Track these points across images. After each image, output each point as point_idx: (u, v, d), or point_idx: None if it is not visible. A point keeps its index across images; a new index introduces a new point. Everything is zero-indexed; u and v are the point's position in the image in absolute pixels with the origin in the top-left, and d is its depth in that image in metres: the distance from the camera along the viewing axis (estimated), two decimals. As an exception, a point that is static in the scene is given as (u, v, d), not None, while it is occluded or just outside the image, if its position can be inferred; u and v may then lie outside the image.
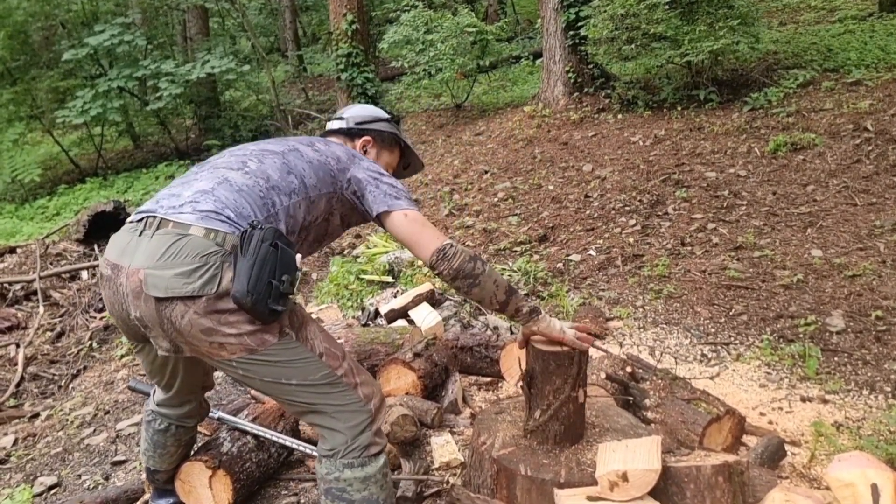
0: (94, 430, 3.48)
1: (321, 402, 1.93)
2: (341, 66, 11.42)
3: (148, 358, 2.12)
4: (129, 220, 1.94)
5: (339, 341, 2.13)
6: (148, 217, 1.85)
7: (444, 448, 2.72)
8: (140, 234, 1.83)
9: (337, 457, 1.95)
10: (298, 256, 1.86)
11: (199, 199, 1.86)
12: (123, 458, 3.13)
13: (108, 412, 3.65)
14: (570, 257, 5.10)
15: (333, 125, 2.38)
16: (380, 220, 2.09)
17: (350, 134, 2.36)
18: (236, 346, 1.80)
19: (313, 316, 4.08)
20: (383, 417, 2.07)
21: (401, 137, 2.46)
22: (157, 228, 1.81)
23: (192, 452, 2.53)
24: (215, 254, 1.76)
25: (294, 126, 12.06)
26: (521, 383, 2.31)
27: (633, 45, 7.76)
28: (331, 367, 1.93)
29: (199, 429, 3.02)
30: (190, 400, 2.29)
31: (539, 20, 9.67)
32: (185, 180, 1.98)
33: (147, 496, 2.57)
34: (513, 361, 3.27)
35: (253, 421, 2.62)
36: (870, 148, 5.61)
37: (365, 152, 2.34)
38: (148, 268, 1.76)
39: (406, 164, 2.57)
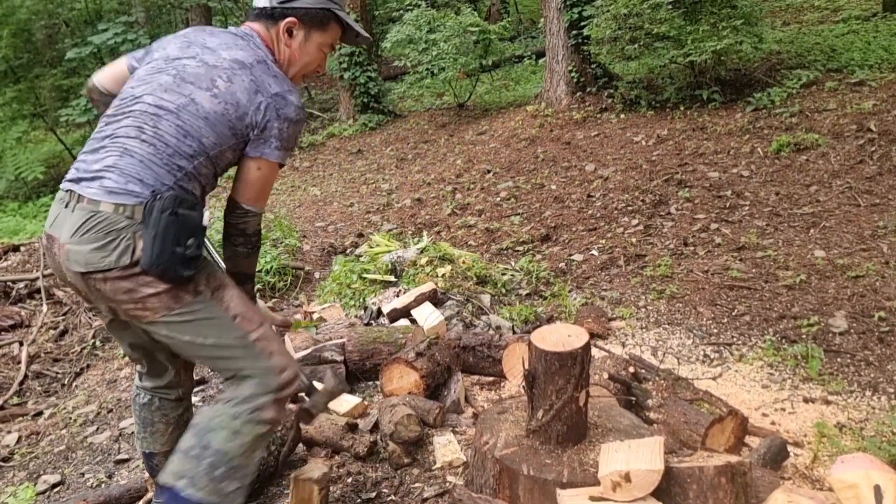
0: (98, 429, 3.48)
1: (234, 363, 1.99)
2: (344, 65, 11.42)
3: (115, 330, 2.19)
4: (61, 186, 2.00)
5: (259, 313, 2.16)
6: (71, 190, 1.93)
7: (446, 448, 2.72)
8: (66, 206, 1.92)
9: (231, 403, 1.98)
10: (207, 214, 1.98)
11: (106, 174, 1.90)
12: (126, 456, 3.14)
13: (111, 410, 3.65)
14: (572, 257, 5.09)
15: (259, 3, 2.17)
16: (242, 159, 2.07)
17: (273, 16, 2.14)
18: (157, 306, 1.89)
19: (315, 315, 4.09)
20: (290, 393, 2.09)
21: (335, 10, 2.19)
22: (77, 202, 1.89)
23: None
24: (127, 227, 1.84)
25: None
26: (523, 383, 2.32)
27: (636, 45, 7.76)
28: (245, 330, 1.99)
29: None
30: (167, 369, 2.29)
31: (542, 19, 9.68)
32: (94, 145, 2.00)
33: (150, 494, 2.57)
34: (515, 361, 3.27)
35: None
36: (873, 148, 5.60)
37: (291, 35, 2.14)
38: (68, 243, 1.87)
39: (353, 35, 2.29)
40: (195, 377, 3.78)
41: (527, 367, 2.31)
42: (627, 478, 1.98)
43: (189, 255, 1.86)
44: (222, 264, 2.24)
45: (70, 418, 3.63)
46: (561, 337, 2.29)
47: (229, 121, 1.98)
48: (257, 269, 4.88)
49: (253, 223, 2.08)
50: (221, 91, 1.98)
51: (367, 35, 2.34)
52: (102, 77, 2.27)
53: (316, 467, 2.42)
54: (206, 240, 2.18)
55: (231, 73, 2.01)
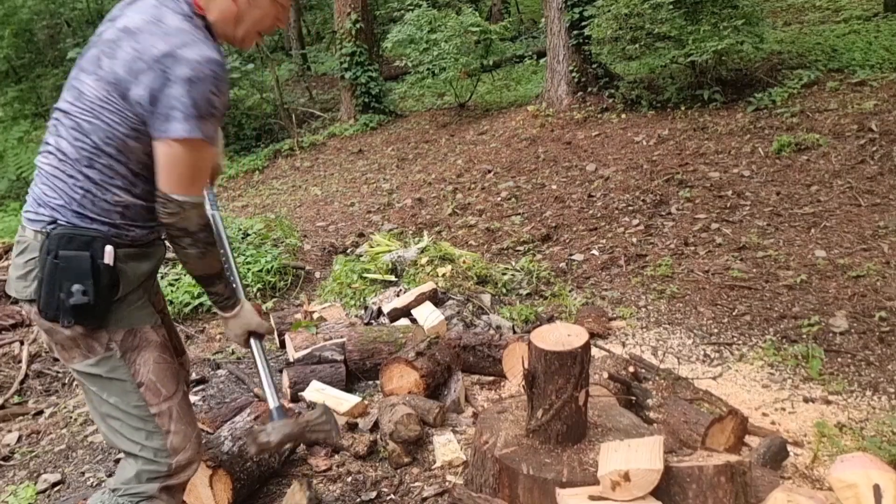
0: (97, 428, 3.48)
1: (128, 435, 1.81)
2: (345, 65, 11.43)
3: None
4: None
5: (176, 385, 1.88)
6: None
7: (446, 447, 2.72)
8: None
9: (117, 493, 1.82)
10: (108, 249, 1.70)
11: (29, 197, 1.79)
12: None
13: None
14: (573, 257, 5.09)
15: None
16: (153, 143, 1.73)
17: None
18: (73, 351, 1.76)
19: (315, 315, 4.09)
20: (186, 478, 1.88)
21: None
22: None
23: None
24: (39, 258, 1.71)
25: (298, 125, 12.07)
26: (523, 383, 2.32)
27: (636, 45, 7.76)
28: (145, 402, 1.80)
29: (200, 425, 3.03)
30: None
31: (543, 19, 9.68)
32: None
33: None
34: (515, 361, 3.27)
35: (255, 420, 2.63)
36: (874, 148, 5.60)
37: None
38: (10, 266, 1.80)
39: None
40: (196, 376, 3.80)
41: (526, 366, 2.30)
42: (627, 477, 1.98)
43: (74, 303, 1.65)
44: (239, 294, 2.03)
45: (70, 417, 3.63)
46: (561, 336, 2.29)
47: (113, 104, 1.68)
48: (258, 269, 4.89)
49: (192, 216, 1.74)
50: (104, 71, 1.69)
51: None
52: None
53: (299, 490, 2.38)
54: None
55: (115, 45, 1.69)
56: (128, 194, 1.76)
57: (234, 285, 2.03)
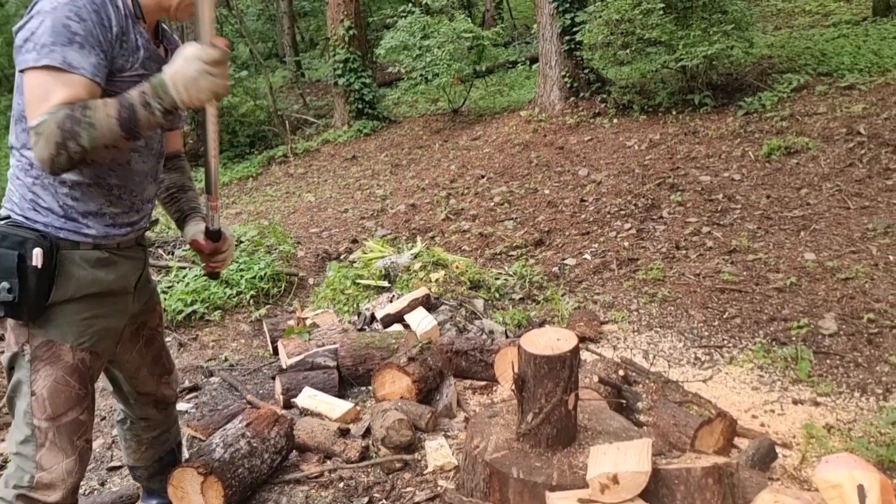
0: (91, 436, 3.49)
1: (14, 432, 1.85)
2: (339, 72, 11.47)
3: None
4: None
5: (66, 410, 1.84)
6: None
7: (438, 452, 2.74)
8: None
9: None
10: (37, 252, 1.69)
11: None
12: (119, 463, 3.14)
13: (103, 418, 3.66)
14: (565, 261, 5.12)
15: None
16: None
17: None
18: (7, 340, 1.81)
19: (308, 321, 4.10)
20: (45, 500, 1.84)
21: None
22: None
23: (185, 458, 2.54)
24: None
25: (292, 131, 12.09)
26: (513, 387, 2.33)
27: (628, 50, 7.81)
28: (31, 412, 1.81)
29: (192, 432, 3.04)
30: (127, 399, 2.24)
31: (535, 25, 9.72)
32: None
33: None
34: (507, 365, 3.29)
35: (247, 427, 2.64)
36: (863, 152, 5.64)
37: None
38: None
39: None
40: (189, 384, 3.81)
41: (516, 371, 2.32)
42: (615, 480, 1.99)
43: (0, 300, 1.69)
44: None
45: (64, 426, 3.63)
46: (550, 341, 2.31)
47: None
48: (251, 276, 4.90)
49: (44, 131, 1.54)
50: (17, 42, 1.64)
51: None
52: None
53: None
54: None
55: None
56: (75, 173, 1.74)
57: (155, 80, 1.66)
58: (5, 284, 1.69)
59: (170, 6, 1.81)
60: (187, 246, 5.37)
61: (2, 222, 1.77)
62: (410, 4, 11.64)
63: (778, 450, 2.68)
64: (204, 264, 2.18)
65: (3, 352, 1.87)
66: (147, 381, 2.21)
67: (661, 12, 7.53)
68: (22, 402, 1.82)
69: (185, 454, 2.85)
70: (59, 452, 1.84)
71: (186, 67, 1.61)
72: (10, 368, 1.84)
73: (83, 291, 1.82)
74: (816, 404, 3.09)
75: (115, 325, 1.95)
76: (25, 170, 1.76)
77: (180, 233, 2.19)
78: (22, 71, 1.60)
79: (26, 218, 1.76)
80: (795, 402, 3.12)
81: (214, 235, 2.07)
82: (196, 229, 2.10)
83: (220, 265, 2.17)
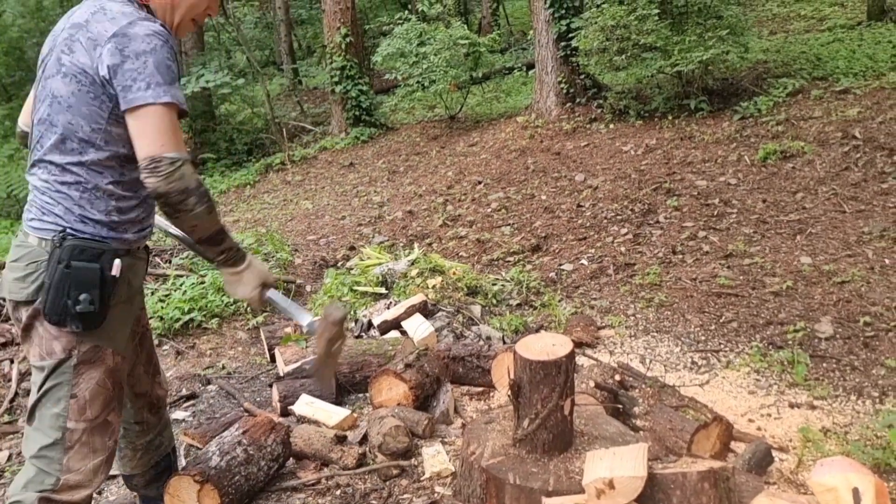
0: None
1: (40, 438, 1.87)
2: (336, 79, 11.48)
3: None
4: None
5: (101, 412, 1.91)
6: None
7: (435, 458, 2.73)
8: (16, 236, 1.95)
9: (10, 498, 1.87)
10: (117, 263, 1.81)
11: (29, 206, 1.91)
12: (116, 472, 3.13)
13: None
14: (562, 266, 5.13)
15: None
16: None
17: None
18: (37, 347, 1.85)
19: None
20: (69, 501, 1.88)
21: None
22: (21, 232, 1.91)
23: (182, 467, 2.54)
24: (45, 261, 1.81)
25: (289, 139, 12.11)
26: (509, 393, 2.34)
27: (623, 56, 7.83)
28: (67, 414, 1.85)
29: (189, 440, 3.04)
30: (125, 405, 2.23)
31: (531, 31, 9.75)
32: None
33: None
34: (504, 371, 3.29)
35: (244, 434, 2.64)
36: (858, 155, 5.66)
37: None
38: (4, 270, 1.91)
39: None
40: (186, 392, 3.80)
41: (512, 376, 2.33)
42: (611, 485, 2.00)
43: (80, 311, 1.76)
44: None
45: (61, 435, 3.63)
46: (545, 346, 2.31)
47: (88, 92, 1.79)
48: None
49: (188, 172, 1.76)
50: (68, 66, 1.80)
51: None
52: (21, 118, 2.15)
53: None
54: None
55: (70, 41, 1.81)
56: (118, 186, 1.87)
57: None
58: (87, 296, 1.76)
59: (171, 24, 1.99)
60: (185, 254, 5.36)
61: (59, 236, 1.81)
62: (407, 12, 11.67)
63: (774, 453, 2.68)
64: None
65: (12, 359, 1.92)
66: (143, 379, 2.25)
67: (657, 18, 7.55)
68: (55, 406, 1.86)
69: (182, 462, 2.85)
70: (89, 453, 1.89)
71: (253, 280, 2.03)
72: (49, 375, 1.85)
73: (127, 295, 1.94)
74: (813, 408, 3.10)
75: (133, 328, 2.05)
76: (70, 184, 1.83)
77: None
78: (133, 105, 1.75)
79: (74, 230, 1.83)
80: (792, 406, 3.12)
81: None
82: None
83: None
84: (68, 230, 1.82)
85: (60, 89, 1.81)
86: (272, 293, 2.09)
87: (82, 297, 1.76)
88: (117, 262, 1.83)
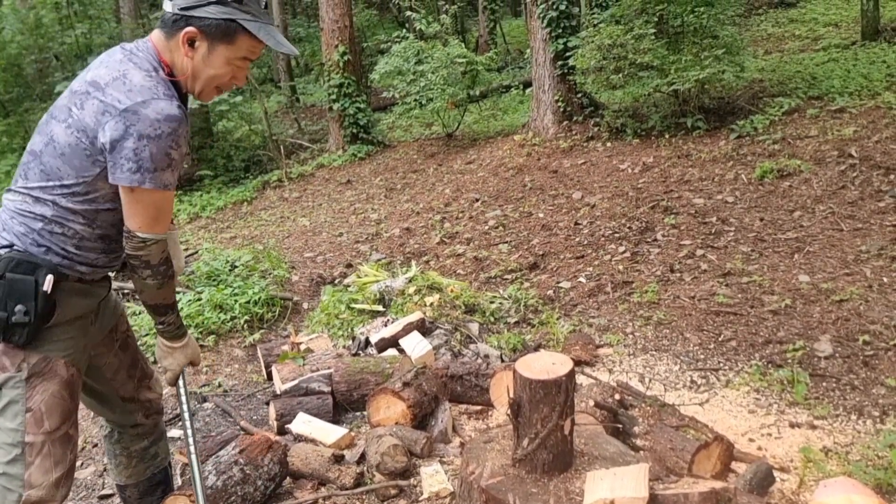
0: (82, 464, 3.45)
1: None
2: (333, 97, 11.52)
3: None
4: None
5: (60, 424, 1.93)
6: None
7: (433, 478, 2.71)
8: None
9: None
10: (49, 278, 1.84)
11: None
12: (111, 491, 3.10)
13: (95, 445, 3.62)
14: (560, 284, 5.12)
15: (166, 7, 1.92)
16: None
17: (172, 25, 1.90)
18: None
19: (302, 346, 4.08)
20: None
21: (243, 21, 1.89)
22: None
23: (178, 486, 2.51)
24: None
25: (287, 155, 12.12)
26: (508, 412, 2.32)
27: (620, 75, 7.88)
28: (24, 428, 1.86)
29: (185, 459, 3.00)
30: (113, 408, 2.30)
31: (528, 50, 9.81)
32: None
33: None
34: (502, 390, 3.27)
35: (240, 453, 2.61)
36: (854, 174, 5.68)
37: (192, 47, 1.90)
38: None
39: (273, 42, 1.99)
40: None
41: (511, 395, 2.31)
42: (612, 506, 1.97)
43: (14, 322, 1.80)
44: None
45: (55, 454, 3.59)
46: (545, 365, 2.30)
47: (84, 150, 1.84)
48: (245, 301, 4.88)
49: (154, 251, 1.90)
50: (75, 119, 1.84)
51: (291, 48, 2.08)
52: None
53: None
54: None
55: (85, 96, 1.84)
56: (87, 229, 1.93)
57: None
58: (21, 307, 1.81)
59: (193, 91, 2.01)
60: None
61: (5, 250, 1.86)
62: (405, 30, 11.75)
63: (775, 474, 2.66)
64: None
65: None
66: (126, 384, 2.28)
67: (653, 37, 7.62)
68: (11, 421, 1.86)
69: (178, 482, 2.82)
70: (50, 467, 1.90)
71: (182, 359, 2.14)
72: (0, 391, 1.87)
73: (72, 315, 1.96)
74: (813, 427, 3.08)
75: (88, 341, 2.07)
76: (36, 217, 1.89)
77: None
78: (121, 183, 1.82)
79: (28, 252, 1.87)
80: (792, 426, 3.11)
81: None
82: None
83: None
84: (16, 246, 1.87)
85: (60, 136, 1.86)
86: (182, 383, 2.19)
87: (17, 308, 1.80)
88: (49, 277, 1.85)
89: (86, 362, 2.08)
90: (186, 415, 2.20)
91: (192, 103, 9.25)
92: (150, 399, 2.35)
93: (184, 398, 2.20)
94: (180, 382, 2.18)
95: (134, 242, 1.87)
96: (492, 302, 4.75)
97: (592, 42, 8.01)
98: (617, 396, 3.09)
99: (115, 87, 1.81)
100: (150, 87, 1.81)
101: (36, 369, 1.88)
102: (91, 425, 3.91)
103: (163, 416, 2.45)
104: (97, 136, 1.81)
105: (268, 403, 3.59)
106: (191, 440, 2.18)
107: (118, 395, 2.26)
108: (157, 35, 1.95)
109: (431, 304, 4.44)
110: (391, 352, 3.96)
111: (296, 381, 3.57)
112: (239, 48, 1.93)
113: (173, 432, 3.55)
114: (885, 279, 4.24)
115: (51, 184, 1.87)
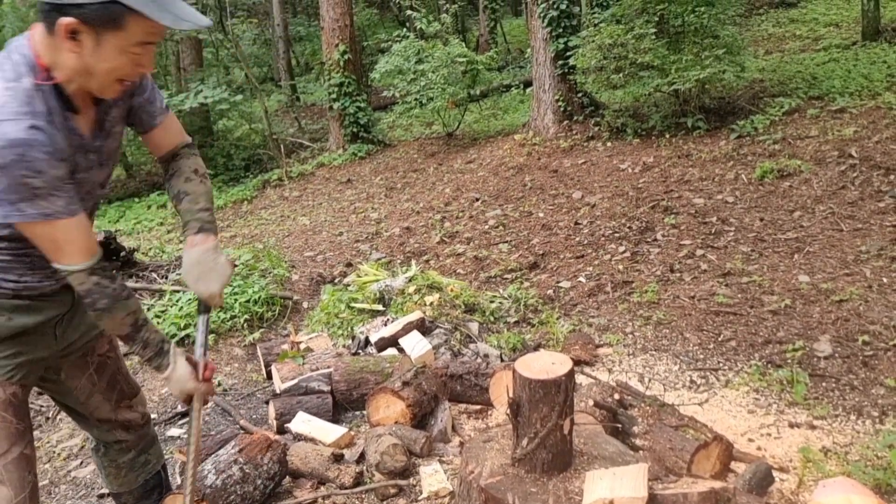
0: (81, 463, 3.45)
1: None
2: (333, 96, 11.53)
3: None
4: None
5: (8, 446, 1.84)
6: None
7: (433, 477, 2.71)
8: None
9: None
10: None
11: None
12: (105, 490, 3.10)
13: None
14: (560, 284, 5.12)
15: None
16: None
17: (50, 18, 1.58)
18: None
19: (302, 345, 4.08)
20: None
21: (124, 1, 1.56)
22: None
23: (177, 485, 2.51)
24: None
25: (287, 154, 12.13)
26: (508, 411, 2.32)
27: (621, 74, 7.88)
28: None
29: (184, 458, 3.00)
30: (90, 427, 2.23)
31: (529, 50, 9.81)
32: None
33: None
34: (502, 389, 3.27)
35: (240, 452, 2.61)
36: (855, 174, 5.68)
37: (76, 40, 1.59)
38: None
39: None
40: (182, 408, 3.77)
41: (511, 395, 2.31)
42: (611, 505, 1.97)
43: None
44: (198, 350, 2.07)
45: (54, 452, 3.59)
46: (545, 365, 2.30)
47: None
48: (245, 300, 4.88)
49: (73, 280, 1.73)
50: None
51: (197, 20, 1.66)
52: None
53: None
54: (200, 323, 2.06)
55: None
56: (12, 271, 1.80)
57: (166, 348, 1.98)
58: None
59: (92, 89, 1.71)
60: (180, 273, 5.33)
61: None
62: (405, 29, 11.75)
63: (775, 474, 2.66)
64: None
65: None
66: (101, 406, 2.18)
67: (654, 37, 7.62)
68: None
69: (177, 480, 2.82)
70: (8, 491, 1.81)
71: (179, 384, 1.99)
72: None
73: (4, 334, 1.83)
74: (813, 427, 3.08)
75: (38, 357, 1.94)
76: None
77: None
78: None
79: None
80: (791, 426, 3.11)
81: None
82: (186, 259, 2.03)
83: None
84: None
85: None
86: (194, 412, 2.05)
87: None
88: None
89: (37, 372, 1.97)
90: (192, 438, 2.06)
91: (192, 101, 9.20)
92: (129, 419, 2.25)
93: (194, 424, 2.06)
94: (192, 415, 2.05)
95: (62, 274, 1.74)
96: (491, 301, 4.75)
97: (593, 42, 8.01)
98: (616, 396, 3.09)
99: None
100: (1, 101, 1.56)
101: None
102: (91, 424, 3.92)
103: (150, 427, 2.36)
104: None
105: (267, 402, 3.59)
106: (191, 462, 2.06)
107: (94, 417, 2.18)
108: (38, 30, 1.65)
109: (431, 303, 4.44)
110: (391, 351, 3.96)
111: (295, 381, 3.57)
112: (132, 33, 1.61)
113: (172, 431, 3.55)
114: (884, 279, 4.24)
115: None
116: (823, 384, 3.41)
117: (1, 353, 1.83)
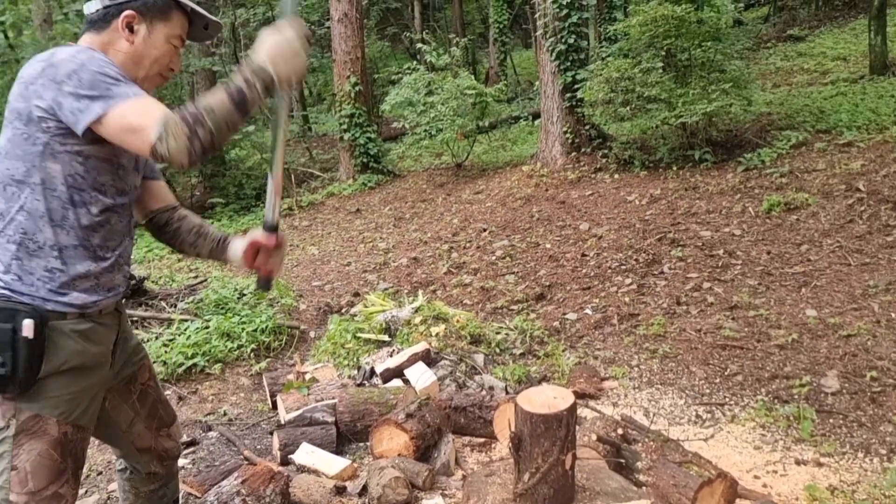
0: (86, 491, 3.45)
1: None
2: (344, 126, 11.68)
3: None
4: None
5: (47, 484, 1.79)
6: None
7: (434, 511, 2.70)
8: None
9: None
10: (27, 323, 1.71)
11: None
12: (113, 520, 3.10)
13: (100, 473, 3.62)
14: (566, 316, 5.11)
15: (88, 8, 1.91)
16: (92, 135, 1.73)
17: (107, 18, 1.87)
18: None
19: (307, 375, 4.09)
20: None
21: None
22: None
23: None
24: None
25: (297, 184, 12.24)
26: (509, 445, 2.32)
27: (628, 107, 7.95)
28: (8, 486, 1.76)
29: (188, 488, 3.01)
30: (128, 455, 2.23)
31: (537, 82, 9.93)
32: None
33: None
34: (506, 422, 3.26)
35: (243, 483, 2.61)
36: (862, 208, 5.68)
37: (132, 31, 1.87)
38: None
39: (204, 24, 2.02)
40: (187, 438, 3.78)
41: (513, 429, 2.31)
42: (612, 543, 1.97)
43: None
44: None
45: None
46: (547, 399, 2.30)
47: (22, 134, 1.74)
48: (252, 329, 4.91)
49: (174, 134, 1.65)
50: (6, 118, 1.77)
51: (217, 20, 2.04)
52: None
53: None
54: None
55: (10, 92, 1.79)
56: (60, 232, 1.78)
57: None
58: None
59: (136, 78, 1.87)
60: (190, 298, 5.37)
61: None
62: (415, 62, 11.92)
63: (780, 512, 2.63)
64: (258, 273, 2.16)
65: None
66: (143, 435, 2.19)
67: (661, 71, 7.70)
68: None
69: (180, 512, 2.82)
70: None
71: (286, 47, 1.78)
72: None
73: (71, 363, 1.81)
74: (819, 465, 3.05)
75: (98, 395, 1.95)
76: (9, 236, 1.77)
77: (222, 257, 2.19)
78: (91, 123, 1.69)
79: (12, 291, 1.76)
80: (798, 463, 3.08)
81: (274, 229, 2.08)
82: (243, 242, 2.12)
83: (278, 265, 2.17)
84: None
85: (1, 141, 1.78)
86: (285, 100, 1.93)
87: None
88: (27, 322, 1.71)
89: (95, 411, 1.95)
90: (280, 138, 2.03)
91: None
92: (166, 448, 2.26)
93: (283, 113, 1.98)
94: (281, 107, 1.96)
95: (160, 152, 1.66)
96: (497, 333, 4.75)
97: (601, 75, 8.10)
98: (620, 431, 3.08)
99: (29, 65, 1.77)
100: (60, 49, 1.76)
101: (24, 426, 1.76)
102: (96, 453, 3.92)
103: (177, 461, 2.38)
104: (31, 111, 1.72)
105: (272, 433, 3.59)
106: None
107: (134, 447, 2.19)
108: (86, 39, 1.89)
109: (437, 334, 4.45)
110: (396, 382, 3.97)
111: (300, 411, 3.58)
112: (175, 25, 1.93)
113: (179, 461, 3.55)
114: (893, 314, 4.22)
115: (9, 190, 1.76)
116: (831, 420, 3.38)
117: (65, 387, 1.81)
